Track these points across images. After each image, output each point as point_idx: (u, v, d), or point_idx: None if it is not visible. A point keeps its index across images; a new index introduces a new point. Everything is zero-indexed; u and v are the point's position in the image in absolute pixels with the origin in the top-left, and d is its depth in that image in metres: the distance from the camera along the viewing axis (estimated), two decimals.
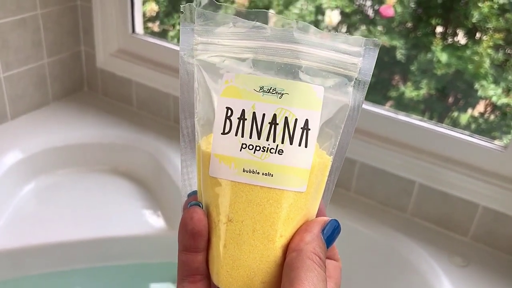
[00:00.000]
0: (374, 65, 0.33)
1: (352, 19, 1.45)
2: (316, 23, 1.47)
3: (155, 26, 1.68)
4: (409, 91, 1.37)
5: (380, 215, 1.06)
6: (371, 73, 0.33)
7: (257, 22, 0.33)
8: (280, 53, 0.32)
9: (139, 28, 1.33)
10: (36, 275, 1.05)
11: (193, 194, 0.34)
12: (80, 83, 1.45)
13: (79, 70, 1.43)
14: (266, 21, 0.33)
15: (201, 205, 0.32)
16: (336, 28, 1.50)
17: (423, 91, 1.35)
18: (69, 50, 1.37)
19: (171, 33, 1.64)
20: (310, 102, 0.31)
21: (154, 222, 1.12)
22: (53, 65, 1.33)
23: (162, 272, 1.13)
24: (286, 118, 0.31)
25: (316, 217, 0.33)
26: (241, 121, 0.31)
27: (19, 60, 1.23)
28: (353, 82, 0.33)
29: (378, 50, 0.33)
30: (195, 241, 0.31)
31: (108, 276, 1.10)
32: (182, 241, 0.32)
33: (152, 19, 1.66)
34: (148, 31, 1.40)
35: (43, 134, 1.24)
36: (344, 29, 1.48)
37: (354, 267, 1.04)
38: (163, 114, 1.34)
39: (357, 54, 0.33)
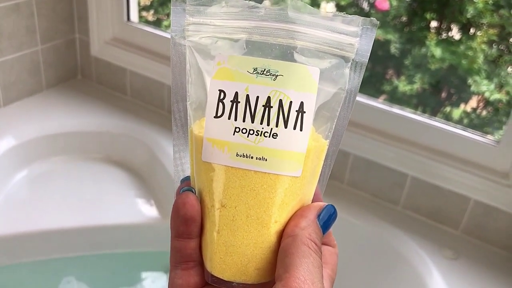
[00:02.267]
0: (371, 45, 0.32)
1: (347, 11, 1.45)
2: None
3: (150, 15, 1.67)
4: (403, 85, 1.37)
5: (373, 207, 1.06)
6: (369, 54, 0.32)
7: (251, 1, 0.32)
8: (275, 33, 0.31)
9: (134, 16, 1.32)
10: (28, 262, 1.05)
11: (186, 180, 0.33)
12: (74, 71, 1.44)
13: (73, 58, 1.42)
14: (260, 0, 0.32)
15: (194, 191, 0.32)
16: None
17: (416, 86, 1.35)
18: (63, 37, 1.36)
19: (165, 23, 1.63)
20: (306, 84, 0.30)
21: (147, 211, 1.12)
22: (47, 52, 1.32)
23: (154, 261, 1.13)
24: (280, 100, 0.30)
25: (312, 202, 0.33)
26: (234, 104, 0.30)
27: (13, 46, 1.22)
28: (350, 63, 0.32)
29: (376, 31, 0.32)
30: (187, 227, 0.31)
31: (100, 264, 1.10)
32: (174, 227, 0.31)
33: (146, 8, 1.65)
34: (142, 20, 1.39)
35: (36, 121, 1.23)
36: None
37: (345, 259, 1.05)
38: (157, 104, 1.34)
39: (354, 34, 0.32)
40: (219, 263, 0.31)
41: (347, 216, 1.04)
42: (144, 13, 1.64)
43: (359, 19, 0.32)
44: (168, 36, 1.27)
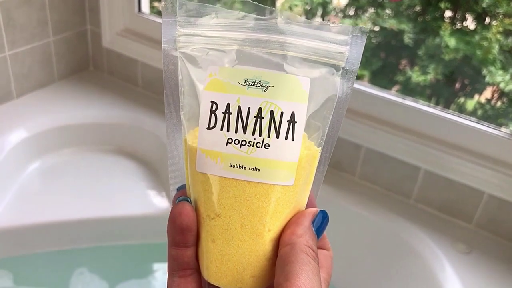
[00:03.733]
0: (362, 53, 0.33)
1: (361, 1, 1.44)
2: (324, 5, 1.46)
3: (160, 6, 1.66)
4: (416, 76, 1.36)
5: (385, 200, 1.06)
6: (359, 62, 0.33)
7: (241, 13, 0.32)
8: (265, 44, 0.32)
9: (145, 7, 1.32)
10: (40, 253, 1.06)
11: (181, 188, 0.34)
12: (86, 62, 1.45)
13: (85, 49, 1.42)
14: (251, 11, 0.32)
15: (189, 200, 0.32)
16: (344, 10, 1.48)
17: (430, 76, 1.34)
18: (75, 28, 1.36)
19: None
20: (296, 94, 0.31)
21: (158, 202, 1.12)
22: (58, 43, 1.32)
23: (165, 252, 1.13)
24: (271, 111, 0.30)
25: (306, 207, 0.33)
26: (226, 115, 0.31)
27: (25, 38, 1.23)
28: (340, 71, 0.33)
29: (366, 38, 0.33)
30: (184, 237, 0.31)
31: (111, 256, 1.11)
32: (171, 236, 0.32)
33: None
34: (153, 11, 1.38)
35: (48, 113, 1.23)
36: (352, 11, 1.47)
37: (357, 252, 1.05)
38: None
39: (343, 43, 0.32)
40: (215, 272, 0.31)
41: (359, 210, 1.03)
42: (155, 3, 1.63)
43: (348, 27, 0.32)
44: None
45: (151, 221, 1.10)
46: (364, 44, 0.32)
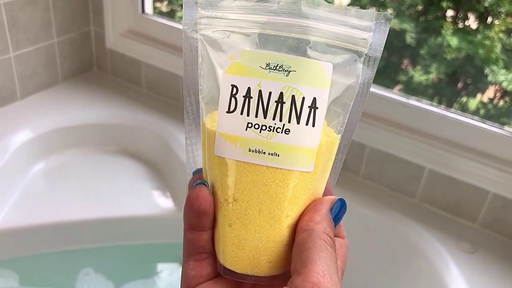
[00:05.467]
0: (385, 40, 0.32)
1: (362, 1, 1.44)
2: None
3: (163, 6, 1.67)
4: (418, 75, 1.36)
5: (389, 200, 1.06)
6: (382, 49, 0.32)
7: None
8: (288, 28, 0.31)
9: (148, 8, 1.32)
10: (45, 253, 1.07)
11: (198, 172, 0.34)
12: (90, 63, 1.45)
13: (89, 50, 1.42)
14: None
15: (206, 184, 0.32)
16: None
17: (432, 76, 1.34)
18: (79, 29, 1.36)
19: (179, 14, 1.63)
20: (318, 80, 0.30)
21: (162, 202, 1.13)
22: (62, 44, 1.33)
23: (170, 252, 1.14)
24: (293, 96, 0.30)
25: (323, 195, 0.33)
26: (247, 99, 0.30)
27: (29, 39, 1.23)
28: (363, 58, 0.32)
29: (389, 24, 0.32)
30: (200, 220, 0.31)
31: (117, 256, 1.11)
32: (187, 220, 0.32)
33: None
34: (156, 11, 1.39)
35: (52, 114, 1.24)
36: None
37: (362, 252, 1.05)
38: (172, 96, 1.34)
39: (367, 29, 0.32)
40: (232, 256, 0.31)
41: (363, 209, 1.03)
42: (158, 4, 1.63)
43: (372, 13, 0.32)
44: None
45: (155, 221, 1.10)
46: (387, 31, 0.32)
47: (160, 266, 1.15)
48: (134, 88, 1.40)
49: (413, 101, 1.03)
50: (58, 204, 1.08)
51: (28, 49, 1.24)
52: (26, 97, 1.29)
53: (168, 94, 1.34)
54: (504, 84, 1.24)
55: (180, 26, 1.28)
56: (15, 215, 1.03)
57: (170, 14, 1.64)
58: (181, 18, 1.53)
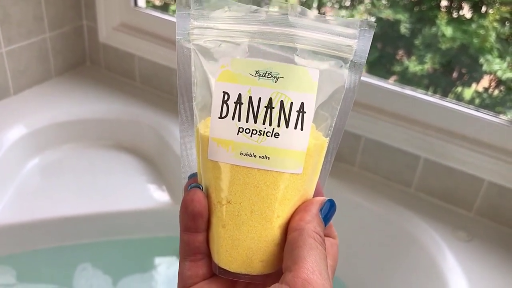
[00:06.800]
0: (369, 46, 0.34)
1: None
2: None
3: (156, 0, 1.66)
4: (413, 66, 1.36)
5: (385, 190, 1.06)
6: (367, 55, 0.34)
7: (253, 6, 0.33)
8: (276, 37, 0.33)
9: (141, 1, 1.32)
10: (42, 249, 1.06)
11: (193, 176, 0.35)
12: (83, 58, 1.44)
13: (82, 45, 1.42)
14: (261, 5, 0.33)
15: (201, 187, 0.33)
16: (339, 1, 1.47)
17: (427, 66, 1.34)
18: (71, 24, 1.35)
19: (172, 7, 1.62)
20: (306, 85, 0.32)
21: (158, 196, 1.13)
22: (55, 39, 1.32)
23: (167, 245, 1.14)
24: (281, 101, 0.31)
25: (313, 196, 0.34)
26: (238, 105, 0.32)
27: (21, 34, 1.22)
28: (348, 64, 0.34)
29: (373, 32, 0.34)
30: (195, 222, 0.32)
31: (114, 251, 1.11)
32: (183, 222, 0.33)
33: None
34: (149, 5, 1.38)
35: (46, 109, 1.23)
36: (348, 2, 1.46)
37: (358, 242, 1.05)
38: (166, 89, 1.34)
39: (352, 36, 0.33)
40: (226, 256, 0.33)
41: (359, 199, 1.04)
42: None
43: (357, 21, 0.33)
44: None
45: (152, 215, 1.10)
46: (371, 37, 0.34)
47: (158, 260, 1.15)
48: (127, 82, 1.39)
49: (407, 91, 1.03)
50: (54, 200, 1.08)
51: (20, 44, 1.23)
52: (19, 93, 1.28)
53: (162, 88, 1.34)
54: (499, 73, 1.24)
55: (172, 19, 1.28)
56: (10, 211, 1.03)
57: (164, 8, 1.63)
58: (174, 11, 1.53)
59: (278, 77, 0.31)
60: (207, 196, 0.33)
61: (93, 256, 1.10)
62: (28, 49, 1.26)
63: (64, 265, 1.08)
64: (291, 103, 0.31)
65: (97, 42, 1.39)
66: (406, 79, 1.38)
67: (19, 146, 1.15)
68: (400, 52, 1.47)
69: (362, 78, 1.07)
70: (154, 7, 1.56)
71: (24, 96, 1.28)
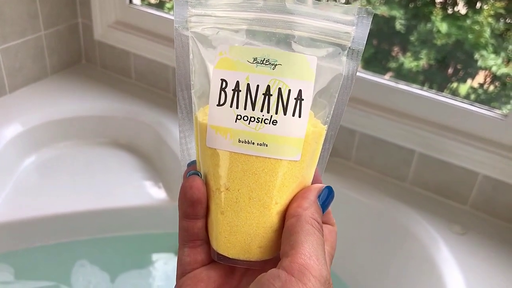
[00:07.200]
0: (367, 33, 0.33)
1: None
2: None
3: None
4: (409, 62, 1.36)
5: (380, 184, 1.07)
6: (365, 42, 0.33)
7: None
8: (273, 24, 0.33)
9: None
10: (40, 246, 1.07)
11: (192, 164, 0.35)
12: (78, 56, 1.44)
13: (77, 42, 1.42)
14: None
15: (200, 174, 0.33)
16: None
17: (422, 62, 1.34)
18: (66, 22, 1.35)
19: (168, 5, 1.62)
20: (304, 72, 0.32)
21: (155, 193, 1.13)
22: (50, 37, 1.32)
23: (163, 242, 1.14)
24: (279, 89, 0.31)
25: (312, 183, 0.34)
26: (236, 92, 0.32)
27: (16, 33, 1.22)
28: (346, 51, 0.33)
29: (372, 19, 0.33)
30: (194, 209, 0.33)
31: (110, 247, 1.12)
32: (182, 209, 0.33)
33: None
34: (145, 3, 1.38)
35: (42, 107, 1.23)
36: None
37: (354, 236, 1.06)
38: (162, 86, 1.34)
39: (350, 23, 0.33)
40: (224, 242, 0.33)
41: (354, 194, 1.04)
42: None
43: (355, 8, 0.33)
44: (171, 17, 1.27)
45: (149, 212, 1.10)
46: (369, 24, 0.33)
47: (155, 256, 1.15)
48: (123, 80, 1.39)
49: (402, 85, 1.04)
50: (51, 197, 1.08)
51: (15, 42, 1.23)
52: (15, 91, 1.28)
53: (158, 85, 1.34)
54: (494, 69, 1.24)
55: (167, 16, 1.28)
56: (7, 209, 1.03)
57: (159, 5, 1.63)
58: (169, 9, 1.53)
59: (276, 64, 0.31)
60: (206, 183, 0.33)
61: (91, 253, 1.10)
62: (23, 47, 1.26)
63: (61, 262, 1.08)
64: (289, 90, 0.31)
65: (92, 40, 1.39)
66: (401, 75, 1.38)
67: (15, 144, 1.15)
68: (396, 49, 1.47)
69: (357, 74, 1.07)
70: (149, 4, 1.56)
71: (19, 94, 1.28)
